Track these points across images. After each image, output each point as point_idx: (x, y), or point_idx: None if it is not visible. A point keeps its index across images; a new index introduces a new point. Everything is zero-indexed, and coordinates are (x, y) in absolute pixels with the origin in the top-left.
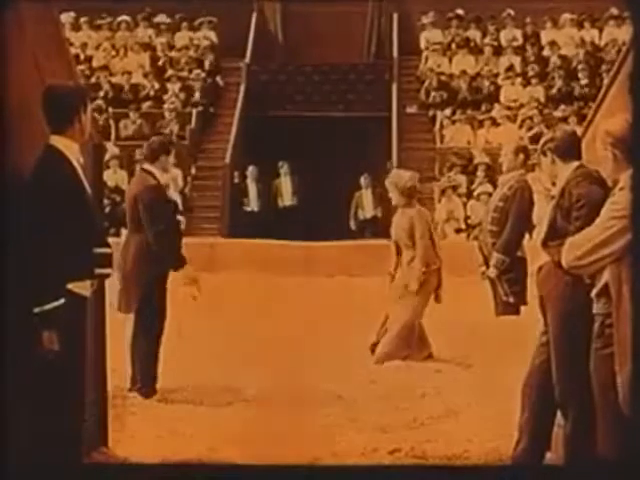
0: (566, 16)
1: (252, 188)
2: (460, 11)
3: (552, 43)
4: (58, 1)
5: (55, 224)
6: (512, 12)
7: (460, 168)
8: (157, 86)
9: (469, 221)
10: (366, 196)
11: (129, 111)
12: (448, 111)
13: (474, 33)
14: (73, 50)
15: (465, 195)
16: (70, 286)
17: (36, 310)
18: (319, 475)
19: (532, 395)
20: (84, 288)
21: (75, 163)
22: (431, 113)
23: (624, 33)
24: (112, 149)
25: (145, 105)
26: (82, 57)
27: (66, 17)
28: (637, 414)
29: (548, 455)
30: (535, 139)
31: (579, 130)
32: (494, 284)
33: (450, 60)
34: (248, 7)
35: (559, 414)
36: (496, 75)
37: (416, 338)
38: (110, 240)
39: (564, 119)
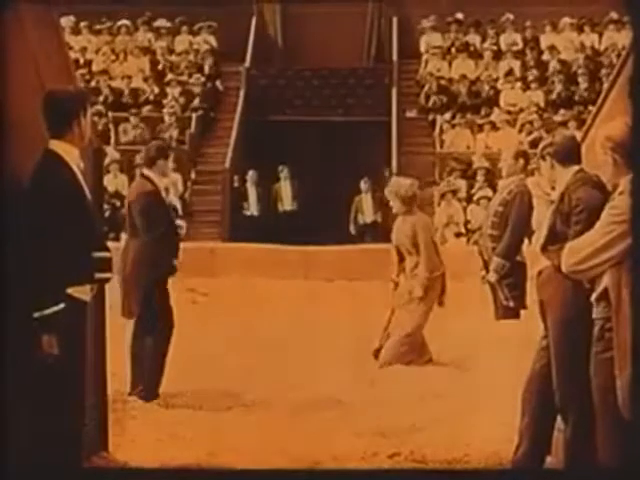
0: (566, 20)
1: (252, 192)
2: (460, 15)
3: (552, 47)
4: (58, 5)
5: (55, 229)
6: (512, 16)
7: (460, 172)
8: (157, 90)
9: (469, 225)
10: (366, 200)
11: (129, 115)
12: (448, 115)
13: (474, 37)
14: (73, 54)
15: (465, 199)
16: (70, 290)
17: (36, 314)
18: (319, 479)
19: (532, 399)
20: (84, 292)
21: (75, 168)
22: (431, 117)
23: (624, 37)
24: (112, 153)
25: (145, 109)
26: (82, 61)
27: (66, 21)
28: (637, 418)
29: (548, 459)
30: (535, 144)
31: (579, 134)
32: (494, 288)
33: (450, 64)
34: (248, 12)
35: (559, 418)
36: (496, 79)
37: (419, 344)
38: (110, 245)
39: (564, 123)
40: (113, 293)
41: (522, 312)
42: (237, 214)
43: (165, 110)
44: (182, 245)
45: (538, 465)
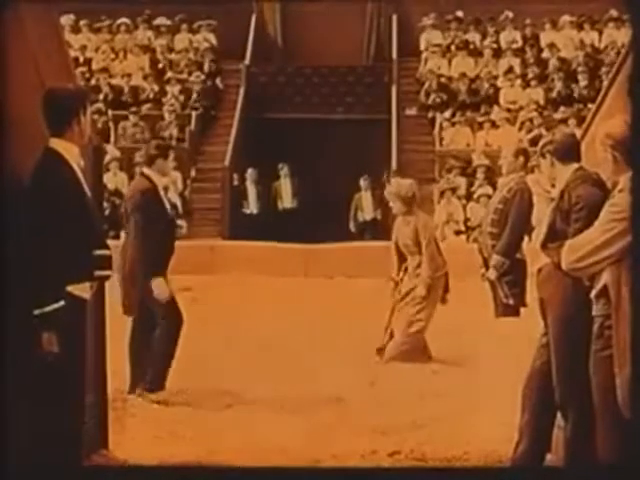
0: (565, 18)
1: (252, 190)
2: (460, 13)
3: (551, 45)
4: (58, 3)
5: (55, 227)
6: (511, 14)
7: (459, 170)
8: (157, 88)
9: (469, 223)
10: (366, 198)
11: (129, 113)
12: (447, 113)
13: (473, 35)
14: (72, 52)
15: (464, 197)
16: (70, 288)
17: (36, 312)
18: (319, 477)
19: (532, 397)
20: (84, 290)
21: (75, 166)
22: (430, 115)
23: (623, 35)
24: (112, 151)
25: (145, 107)
26: (82, 59)
27: (66, 19)
28: (636, 415)
29: (548, 457)
30: (535, 141)
31: (578, 132)
32: (494, 286)
33: (450, 62)
34: (247, 9)
35: (559, 416)
36: (495, 77)
37: (421, 343)
38: (110, 242)
39: (564, 121)
40: (113, 291)
41: (522, 310)
42: (237, 212)
43: (165, 108)
44: (182, 243)
45: (538, 463)
